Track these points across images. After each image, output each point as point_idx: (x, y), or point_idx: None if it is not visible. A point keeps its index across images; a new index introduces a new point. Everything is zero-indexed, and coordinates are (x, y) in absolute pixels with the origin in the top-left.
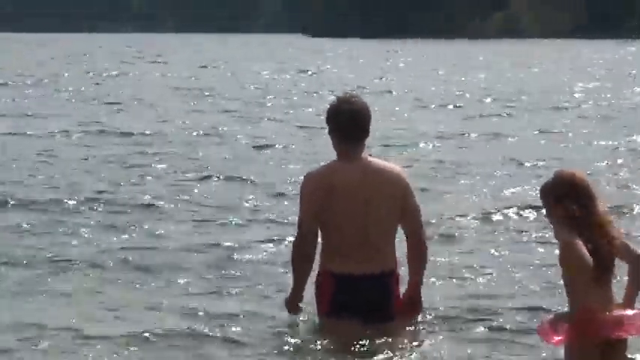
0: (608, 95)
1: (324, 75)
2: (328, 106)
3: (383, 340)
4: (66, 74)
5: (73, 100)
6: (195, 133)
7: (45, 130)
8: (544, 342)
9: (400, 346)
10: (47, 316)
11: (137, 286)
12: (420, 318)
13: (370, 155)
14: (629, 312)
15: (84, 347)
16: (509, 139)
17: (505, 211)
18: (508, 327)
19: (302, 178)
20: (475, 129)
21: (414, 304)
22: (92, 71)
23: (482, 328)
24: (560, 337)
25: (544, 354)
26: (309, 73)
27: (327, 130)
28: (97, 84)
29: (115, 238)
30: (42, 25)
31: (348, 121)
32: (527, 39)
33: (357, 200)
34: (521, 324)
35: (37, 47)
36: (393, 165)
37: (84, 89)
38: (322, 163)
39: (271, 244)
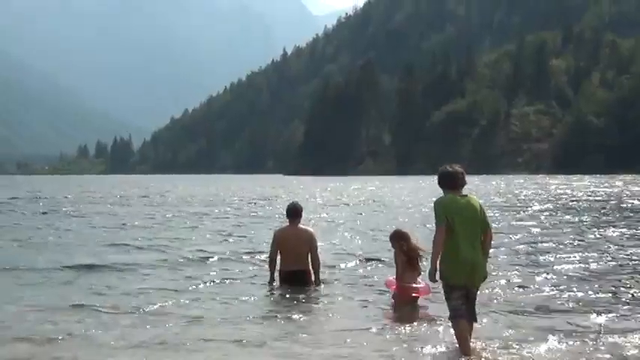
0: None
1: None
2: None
3: (304, 294)
4: None
5: None
6: None
7: None
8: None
9: (313, 296)
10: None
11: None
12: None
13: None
14: (421, 284)
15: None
16: None
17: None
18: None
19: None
20: None
21: (316, 283)
22: None
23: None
24: (392, 288)
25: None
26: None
27: None
28: None
29: None
30: None
31: (289, 209)
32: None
33: (290, 242)
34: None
35: None
36: (309, 228)
37: None
38: (283, 224)
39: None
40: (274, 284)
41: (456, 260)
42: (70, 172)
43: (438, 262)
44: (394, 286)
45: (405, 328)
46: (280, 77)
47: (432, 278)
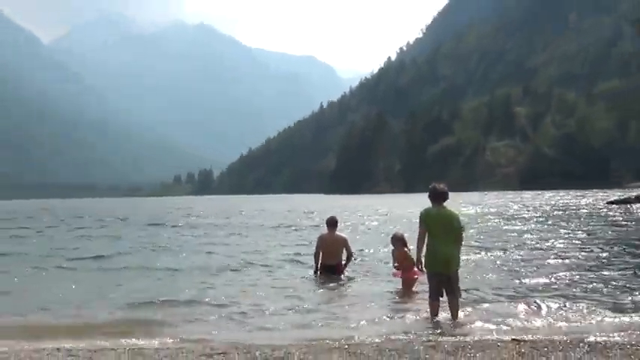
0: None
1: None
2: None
3: (336, 282)
4: None
5: None
6: None
7: None
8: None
9: (343, 282)
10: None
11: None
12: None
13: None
14: (415, 269)
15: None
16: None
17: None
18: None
19: (317, 235)
20: None
21: (343, 271)
22: None
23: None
24: (397, 274)
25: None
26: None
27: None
28: None
29: None
30: None
31: (328, 221)
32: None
33: (328, 243)
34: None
35: None
36: (343, 234)
37: None
38: (323, 232)
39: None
40: (317, 273)
41: (433, 255)
42: (167, 195)
43: (421, 254)
44: (400, 274)
45: (408, 303)
46: (318, 124)
47: (418, 266)
